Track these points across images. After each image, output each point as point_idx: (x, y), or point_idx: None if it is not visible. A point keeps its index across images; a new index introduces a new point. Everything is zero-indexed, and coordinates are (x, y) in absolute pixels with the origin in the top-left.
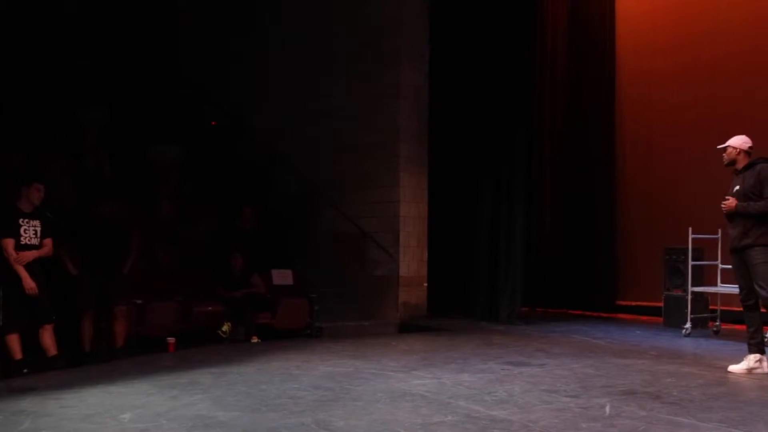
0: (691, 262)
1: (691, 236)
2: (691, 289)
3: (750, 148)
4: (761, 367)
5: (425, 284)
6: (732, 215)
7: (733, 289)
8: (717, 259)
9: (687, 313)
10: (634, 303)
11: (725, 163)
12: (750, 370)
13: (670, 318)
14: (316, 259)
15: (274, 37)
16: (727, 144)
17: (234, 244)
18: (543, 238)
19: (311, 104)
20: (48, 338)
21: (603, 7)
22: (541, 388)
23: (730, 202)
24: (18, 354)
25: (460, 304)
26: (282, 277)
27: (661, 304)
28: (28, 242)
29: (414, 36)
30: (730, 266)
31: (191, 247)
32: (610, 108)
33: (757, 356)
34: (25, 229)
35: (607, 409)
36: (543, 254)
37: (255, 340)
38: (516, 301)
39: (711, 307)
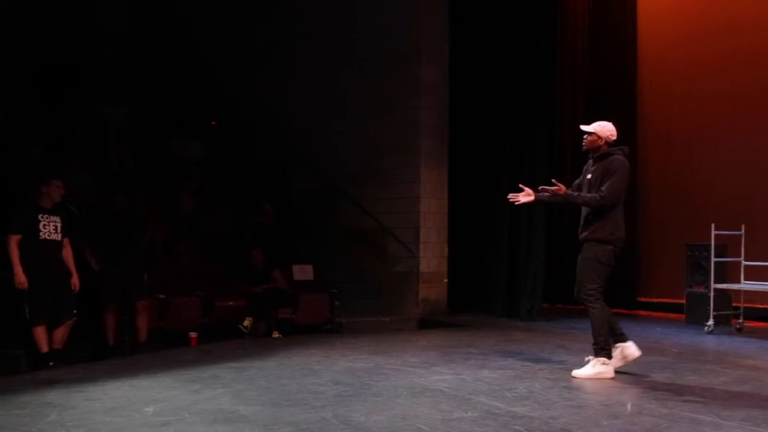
0: (713, 259)
1: (713, 232)
2: (713, 285)
3: (614, 140)
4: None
5: (445, 280)
6: (561, 202)
7: (756, 286)
8: (740, 256)
9: (709, 310)
10: (655, 300)
11: (584, 148)
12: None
13: (692, 315)
14: (336, 254)
15: (295, 33)
16: (593, 130)
17: (255, 239)
18: (563, 234)
19: (332, 100)
20: (61, 331)
21: (624, 0)
22: (561, 385)
23: (559, 188)
24: (44, 347)
25: (480, 300)
26: (302, 272)
27: (683, 301)
28: (48, 237)
29: (434, 31)
30: (754, 263)
31: (213, 243)
32: (631, 102)
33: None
34: (44, 225)
35: (629, 406)
36: (563, 250)
37: (276, 335)
38: (536, 298)
39: (734, 304)
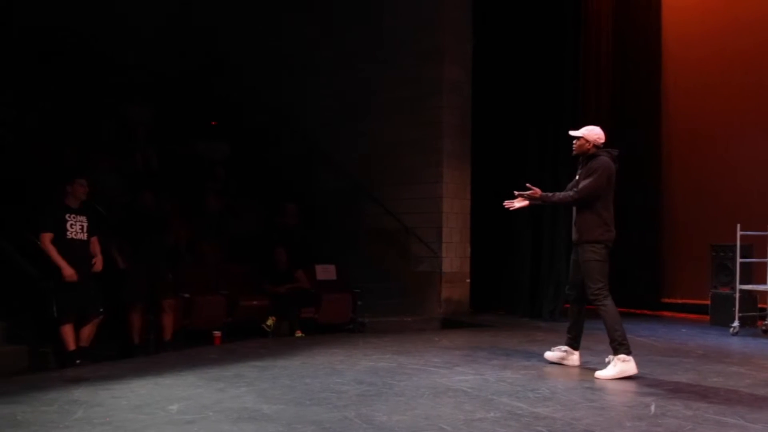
0: (739, 260)
1: (739, 233)
2: (739, 287)
3: (602, 143)
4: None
5: (468, 280)
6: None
7: None
8: (766, 257)
9: (735, 311)
10: (679, 301)
11: (574, 153)
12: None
13: (718, 316)
14: (359, 254)
15: (319, 34)
16: (581, 134)
17: (278, 239)
18: None
19: (356, 100)
20: (88, 329)
21: None
22: (584, 386)
23: (534, 191)
24: (71, 345)
25: (502, 300)
26: (325, 272)
27: (708, 302)
28: (75, 236)
29: (457, 31)
30: None
31: (237, 242)
32: (655, 99)
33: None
34: (71, 224)
35: (653, 408)
36: None
37: (299, 334)
38: (559, 298)
39: (760, 305)
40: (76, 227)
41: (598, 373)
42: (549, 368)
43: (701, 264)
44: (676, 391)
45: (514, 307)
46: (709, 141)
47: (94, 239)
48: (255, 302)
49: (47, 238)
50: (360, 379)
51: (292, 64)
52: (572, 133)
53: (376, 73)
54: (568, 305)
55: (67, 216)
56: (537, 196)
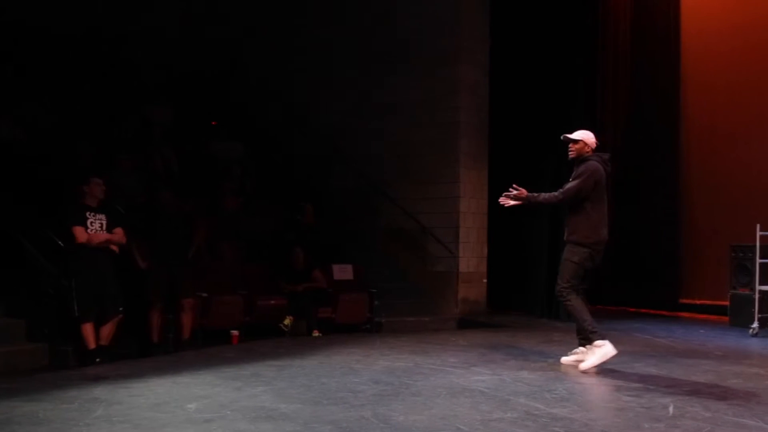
0: (759, 260)
1: (759, 233)
2: (758, 287)
3: (595, 147)
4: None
5: (485, 280)
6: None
7: None
8: None
9: (754, 312)
10: (698, 301)
11: (572, 157)
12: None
13: (737, 317)
14: (376, 254)
15: (335, 33)
16: (580, 138)
17: (295, 239)
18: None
19: (372, 100)
20: (108, 328)
21: None
22: (601, 387)
23: (520, 192)
24: (92, 343)
25: (519, 300)
26: (343, 272)
27: (727, 303)
28: None
29: (474, 30)
30: None
31: (254, 242)
32: (674, 97)
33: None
34: (91, 222)
35: (671, 409)
36: (605, 252)
37: (316, 333)
38: None
39: None
40: (96, 225)
41: (582, 366)
42: (566, 369)
43: (720, 264)
44: (694, 392)
45: (532, 307)
46: (729, 139)
47: (118, 229)
48: (272, 302)
49: (79, 229)
50: (377, 379)
51: (309, 64)
52: (570, 136)
53: (394, 73)
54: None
55: (87, 214)
56: (523, 196)
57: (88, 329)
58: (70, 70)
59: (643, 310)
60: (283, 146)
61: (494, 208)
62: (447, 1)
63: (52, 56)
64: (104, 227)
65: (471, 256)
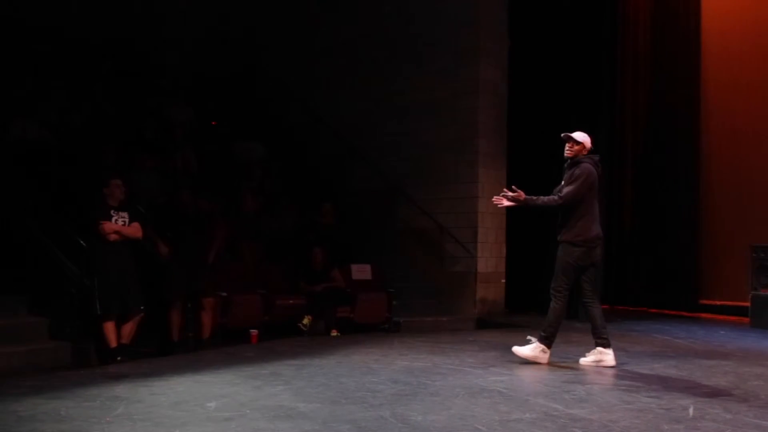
0: None
1: None
2: None
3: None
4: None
5: (503, 280)
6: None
7: None
8: None
9: None
10: (718, 302)
11: (569, 156)
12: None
13: (758, 318)
14: (394, 254)
15: (354, 34)
16: (582, 141)
17: (314, 239)
18: (623, 235)
19: (391, 100)
20: (129, 327)
21: None
22: (621, 388)
23: (518, 194)
24: (113, 342)
25: (538, 300)
26: (361, 271)
27: (748, 304)
28: None
29: (493, 30)
30: None
31: (274, 242)
32: (694, 96)
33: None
34: (115, 220)
35: (691, 411)
36: (623, 251)
37: (334, 333)
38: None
39: None
40: (119, 223)
41: (515, 348)
42: (585, 369)
43: (741, 265)
44: (715, 394)
45: None
46: (750, 140)
47: (135, 223)
48: (291, 301)
49: (108, 224)
50: (395, 379)
51: (329, 64)
52: (571, 135)
53: (413, 72)
54: (605, 306)
55: (111, 212)
56: (521, 198)
57: (109, 328)
58: (94, 73)
59: (663, 311)
60: (303, 146)
61: (513, 208)
62: (466, 1)
63: (77, 60)
64: (127, 224)
65: (489, 257)
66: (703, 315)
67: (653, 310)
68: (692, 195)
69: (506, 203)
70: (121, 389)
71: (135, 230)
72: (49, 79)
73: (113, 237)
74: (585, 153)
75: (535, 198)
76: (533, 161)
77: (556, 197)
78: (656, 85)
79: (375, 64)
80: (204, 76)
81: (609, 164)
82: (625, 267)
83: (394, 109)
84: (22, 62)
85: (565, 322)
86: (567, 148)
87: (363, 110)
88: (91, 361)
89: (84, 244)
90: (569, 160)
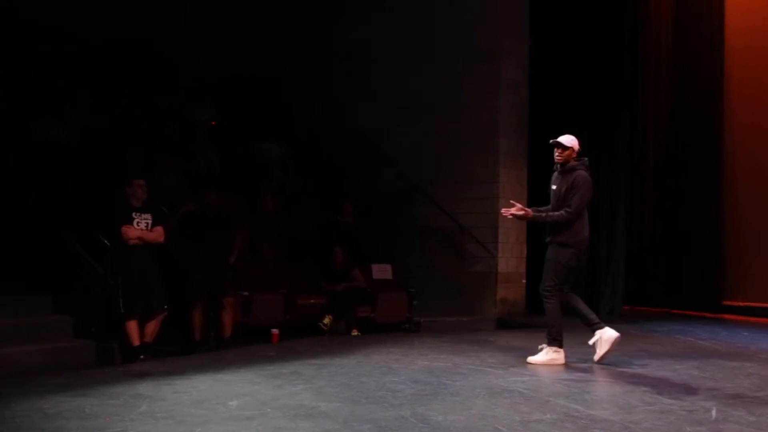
0: None
1: None
2: None
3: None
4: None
5: (524, 281)
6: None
7: None
8: None
9: None
10: (742, 304)
11: (559, 162)
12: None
13: None
14: (414, 254)
15: (374, 34)
16: (570, 145)
17: (335, 238)
18: (645, 235)
19: (411, 100)
20: (152, 325)
21: None
22: (642, 389)
23: (526, 212)
24: (136, 340)
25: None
26: (382, 271)
27: None
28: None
29: (514, 30)
30: None
31: (295, 242)
32: (718, 95)
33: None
34: (137, 222)
35: (713, 413)
36: (645, 252)
37: (355, 333)
38: (616, 300)
39: None
40: (142, 225)
41: (530, 358)
42: (606, 370)
43: (765, 265)
44: (738, 396)
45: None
46: None
47: (158, 228)
48: (312, 301)
49: (130, 228)
50: (416, 379)
51: (348, 64)
52: (562, 140)
53: (433, 72)
54: (626, 306)
55: (133, 214)
56: (529, 216)
57: (132, 326)
58: (118, 75)
59: (685, 312)
60: (323, 146)
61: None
62: (487, 0)
63: (101, 62)
64: (150, 226)
65: (510, 257)
66: (726, 316)
67: (675, 311)
68: (715, 194)
69: (513, 213)
70: (144, 387)
71: (157, 235)
72: (74, 81)
73: (135, 243)
74: (575, 156)
75: (542, 214)
76: (552, 161)
77: (563, 212)
78: (679, 84)
79: (395, 64)
80: (226, 76)
81: (630, 164)
82: (647, 267)
83: (415, 108)
84: (47, 65)
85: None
86: (557, 154)
87: (383, 110)
88: (114, 360)
89: (108, 244)
90: (559, 166)
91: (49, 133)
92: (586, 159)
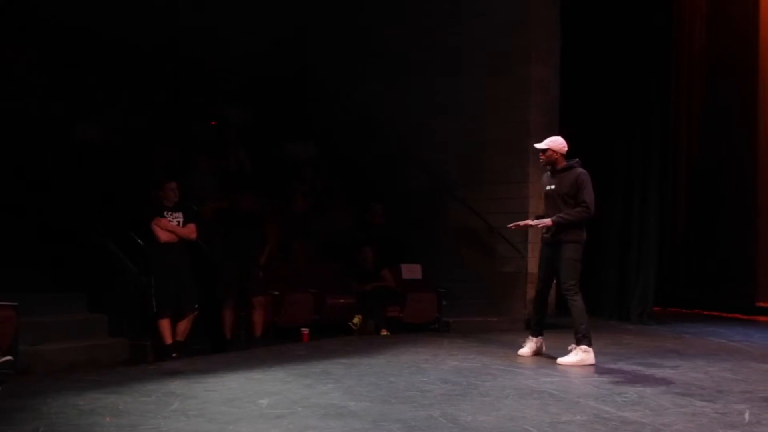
0: None
1: None
2: None
3: (566, 151)
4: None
5: (554, 281)
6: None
7: None
8: None
9: None
10: None
11: (543, 164)
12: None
13: None
14: (444, 254)
15: (402, 34)
16: (547, 146)
17: (365, 238)
18: (677, 235)
19: (441, 100)
20: (183, 324)
21: None
22: (674, 391)
23: (546, 221)
24: (168, 339)
25: (589, 302)
26: (411, 271)
27: None
28: None
29: (544, 30)
30: None
31: (325, 242)
32: (751, 97)
33: (533, 339)
34: (169, 221)
35: (746, 416)
36: (677, 252)
37: (384, 332)
38: (647, 300)
39: None
40: (173, 223)
41: (561, 360)
42: (637, 371)
43: None
44: None
45: (601, 309)
46: None
47: (191, 225)
48: (342, 300)
49: (161, 221)
50: (445, 379)
51: (378, 65)
52: (537, 146)
53: (462, 72)
54: (657, 307)
55: (165, 213)
56: (551, 224)
57: (165, 325)
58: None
59: (718, 314)
60: (354, 147)
61: None
62: (517, 0)
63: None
64: (181, 224)
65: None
66: (760, 318)
67: (707, 312)
68: (749, 194)
69: (531, 223)
70: (176, 385)
71: (189, 231)
72: (112, 83)
73: (167, 236)
74: (558, 157)
75: (563, 218)
76: (585, 161)
77: (584, 209)
78: (712, 84)
79: (424, 64)
80: (257, 77)
81: (663, 164)
82: (679, 268)
83: (444, 108)
84: (88, 68)
85: (616, 323)
86: (541, 159)
87: (413, 110)
88: (147, 357)
89: (142, 244)
90: (551, 167)
91: (87, 134)
92: (577, 159)
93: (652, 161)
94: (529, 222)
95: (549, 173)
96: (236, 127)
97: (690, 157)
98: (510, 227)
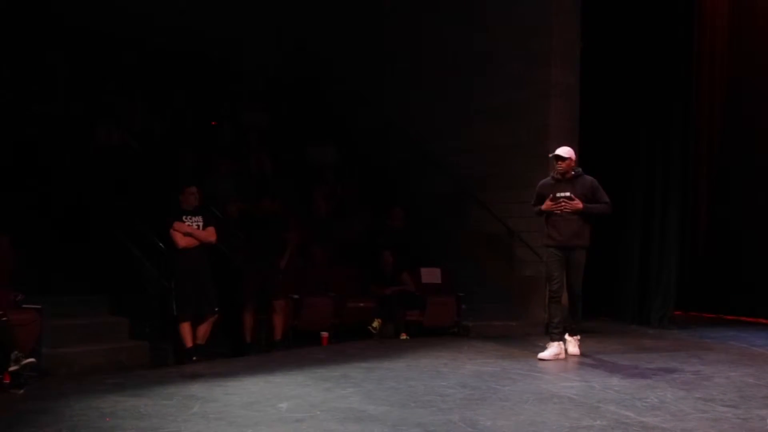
0: None
1: None
2: None
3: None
4: (562, 353)
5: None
6: (572, 213)
7: None
8: None
9: None
10: None
11: (561, 172)
12: (556, 356)
13: None
14: (464, 258)
15: (423, 38)
16: (568, 156)
17: (385, 242)
18: (698, 238)
19: (462, 104)
20: (204, 328)
21: None
22: (695, 396)
23: (576, 202)
24: (189, 342)
25: (609, 306)
26: (431, 275)
27: None
28: None
29: (565, 34)
30: None
31: (345, 245)
32: None
33: (560, 344)
34: (188, 224)
35: None
36: (698, 255)
37: (404, 336)
38: (668, 304)
39: None
40: (193, 227)
41: (541, 355)
42: (658, 376)
43: None
44: None
45: (622, 313)
46: None
47: (210, 228)
48: (361, 304)
49: (180, 224)
50: (464, 383)
51: (399, 69)
52: (561, 154)
53: (483, 76)
54: (679, 312)
55: (184, 217)
56: (580, 207)
57: (185, 328)
58: (174, 81)
59: (739, 318)
60: (374, 151)
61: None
62: (538, 4)
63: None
64: (201, 228)
65: None
66: None
67: (729, 317)
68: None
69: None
70: (197, 388)
71: (209, 234)
72: (133, 87)
73: (185, 242)
74: (575, 165)
75: (591, 208)
76: (606, 165)
77: (606, 205)
78: (734, 87)
79: (445, 68)
80: (278, 81)
81: (684, 167)
82: (700, 272)
83: (464, 112)
84: (109, 72)
85: (636, 327)
86: (561, 167)
87: (433, 114)
88: (168, 361)
89: (163, 247)
90: (561, 176)
91: (108, 137)
92: (579, 168)
93: (673, 163)
94: (563, 201)
95: (554, 181)
96: (258, 131)
97: (711, 160)
98: (545, 209)
